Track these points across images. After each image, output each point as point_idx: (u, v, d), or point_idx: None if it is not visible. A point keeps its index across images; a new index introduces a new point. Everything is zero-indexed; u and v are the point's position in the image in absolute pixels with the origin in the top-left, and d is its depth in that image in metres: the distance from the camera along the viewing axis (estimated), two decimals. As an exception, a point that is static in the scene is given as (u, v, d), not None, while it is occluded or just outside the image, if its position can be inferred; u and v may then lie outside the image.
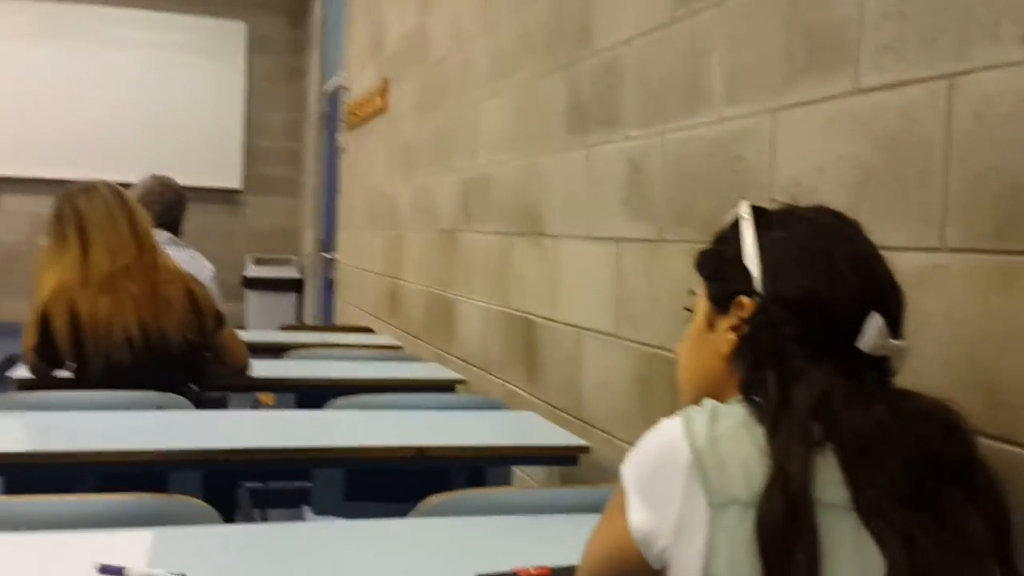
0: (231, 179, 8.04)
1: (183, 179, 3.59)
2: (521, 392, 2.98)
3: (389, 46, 5.05)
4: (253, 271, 7.79)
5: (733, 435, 0.94)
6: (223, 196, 7.97)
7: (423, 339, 4.14)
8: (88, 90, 7.68)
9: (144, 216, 2.62)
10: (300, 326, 5.28)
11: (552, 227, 2.81)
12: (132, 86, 7.77)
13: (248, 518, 3.06)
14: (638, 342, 2.28)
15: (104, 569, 1.28)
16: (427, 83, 4.27)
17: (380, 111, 5.12)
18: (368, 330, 4.85)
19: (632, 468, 0.98)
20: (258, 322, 7.17)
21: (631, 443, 1.00)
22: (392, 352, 3.92)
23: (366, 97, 5.49)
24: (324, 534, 1.63)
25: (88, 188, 2.57)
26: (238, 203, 8.17)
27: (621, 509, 0.98)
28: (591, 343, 2.53)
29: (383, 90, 5.06)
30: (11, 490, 2.17)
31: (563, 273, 2.73)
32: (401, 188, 4.67)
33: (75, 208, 2.52)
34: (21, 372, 2.64)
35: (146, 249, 2.56)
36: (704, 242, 1.15)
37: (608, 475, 2.23)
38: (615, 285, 2.41)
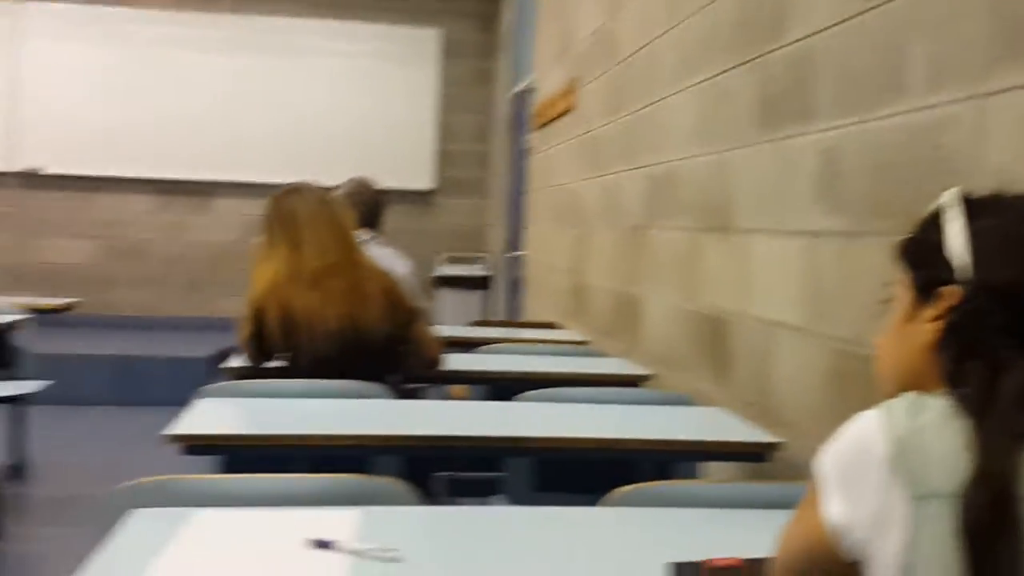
0: (423, 181, 8.31)
1: (379, 181, 3.76)
2: (708, 388, 2.96)
3: (577, 47, 5.10)
4: (444, 269, 8.03)
5: (935, 427, 0.92)
6: (416, 197, 8.25)
7: (608, 336, 4.16)
8: (291, 99, 8.12)
9: (348, 216, 2.77)
10: (489, 322, 5.40)
11: (741, 221, 2.77)
12: (332, 94, 8.16)
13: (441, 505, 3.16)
14: (832, 337, 2.22)
15: (317, 544, 1.37)
16: (614, 81, 4.29)
17: (567, 111, 5.17)
18: (554, 326, 4.91)
19: (829, 460, 0.97)
20: (448, 318, 7.38)
21: (823, 440, 0.99)
22: (578, 347, 3.95)
23: (553, 97, 5.56)
24: (520, 519, 1.68)
25: (297, 190, 2.73)
26: (430, 204, 8.43)
27: (817, 501, 0.97)
28: (783, 338, 2.48)
29: (570, 90, 5.12)
30: (230, 469, 2.34)
31: (753, 268, 2.69)
32: (587, 186, 4.71)
33: (285, 209, 2.69)
34: (236, 362, 2.83)
35: (349, 247, 2.70)
36: (902, 234, 1.11)
37: (799, 473, 2.18)
38: (808, 279, 2.35)
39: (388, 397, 2.50)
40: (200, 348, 6.73)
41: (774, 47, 2.58)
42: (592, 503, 1.68)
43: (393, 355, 2.70)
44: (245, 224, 8.08)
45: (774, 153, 2.56)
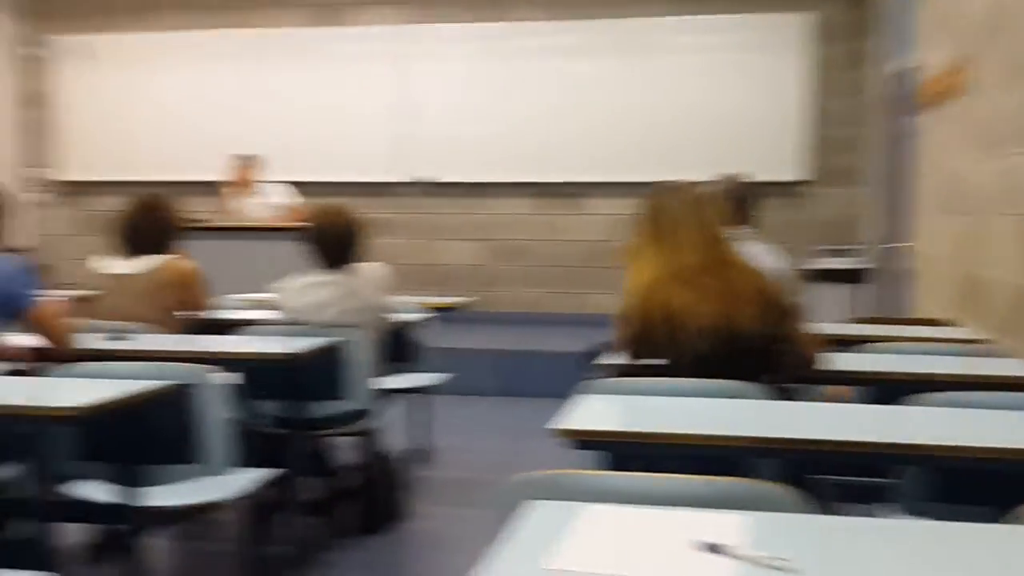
0: (792, 171, 8.05)
1: (749, 174, 3.69)
2: None
3: (967, 20, 4.68)
4: (814, 263, 7.71)
5: None
6: (784, 189, 7.99)
7: (1010, 334, 3.77)
8: (656, 98, 8.20)
9: (720, 213, 2.74)
10: (870, 319, 5.10)
11: None
12: (697, 89, 8.14)
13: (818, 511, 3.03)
14: None
15: (707, 547, 1.36)
16: (1012, 56, 3.88)
17: (956, 90, 4.76)
18: (941, 323, 4.53)
19: None
20: (819, 314, 7.07)
21: None
22: (974, 347, 3.62)
23: (940, 76, 5.15)
24: (919, 533, 1.57)
25: (671, 188, 2.76)
26: (799, 195, 8.14)
27: None
28: None
29: (959, 67, 4.70)
30: (608, 464, 2.40)
31: None
32: (981, 170, 4.30)
33: (661, 207, 2.72)
34: (613, 359, 2.88)
35: (722, 245, 2.68)
36: None
37: None
38: None
39: (765, 397, 2.44)
40: (575, 344, 6.99)
41: None
42: (993, 517, 1.53)
43: (769, 354, 2.64)
44: (614, 224, 8.28)
45: None
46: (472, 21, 8.49)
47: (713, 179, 3.56)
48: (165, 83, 8.87)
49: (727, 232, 2.74)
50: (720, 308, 2.58)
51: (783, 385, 2.67)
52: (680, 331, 2.59)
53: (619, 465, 2.30)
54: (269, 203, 7.40)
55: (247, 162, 7.63)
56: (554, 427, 2.06)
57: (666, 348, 2.64)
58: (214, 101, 8.78)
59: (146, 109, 8.90)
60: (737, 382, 2.45)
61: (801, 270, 7.56)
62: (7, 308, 2.97)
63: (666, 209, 2.72)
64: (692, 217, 2.69)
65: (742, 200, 3.48)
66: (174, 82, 8.86)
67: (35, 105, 9.23)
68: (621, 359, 2.80)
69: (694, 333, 2.57)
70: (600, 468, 2.36)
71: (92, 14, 9.06)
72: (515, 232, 8.59)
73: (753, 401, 2.40)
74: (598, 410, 2.31)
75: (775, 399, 2.49)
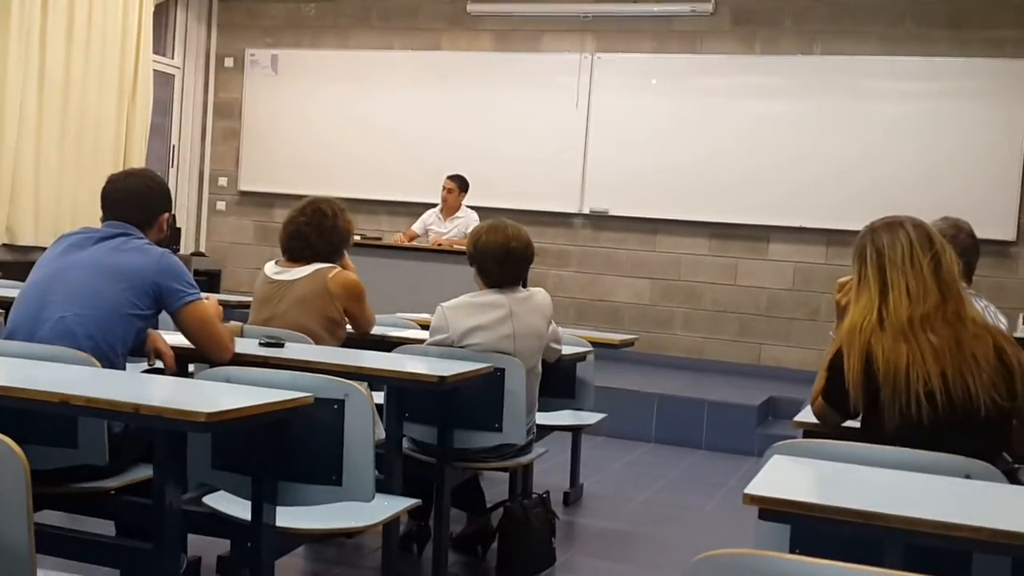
0: (1002, 230, 7.38)
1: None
2: None
3: None
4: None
5: None
6: (993, 247, 7.32)
7: None
8: (855, 140, 7.70)
9: (952, 260, 2.37)
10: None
11: None
12: (903, 135, 7.59)
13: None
14: None
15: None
16: None
17: None
18: None
19: None
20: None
21: None
22: None
23: None
24: None
25: (892, 225, 2.41)
26: (1008, 255, 7.46)
27: None
28: None
29: None
30: (796, 539, 2.08)
31: None
32: None
33: (877, 246, 2.38)
34: (802, 417, 2.59)
35: (951, 297, 2.31)
36: None
37: None
38: None
39: (1000, 480, 2.05)
40: (746, 395, 6.59)
41: None
42: None
43: (1004, 429, 2.24)
44: (798, 272, 7.82)
45: None
46: (660, 52, 8.25)
47: (938, 224, 3.14)
48: (350, 100, 9.02)
49: (959, 283, 2.36)
50: (946, 368, 2.20)
51: (1017, 466, 2.27)
52: (897, 391, 2.23)
53: (802, 543, 2.01)
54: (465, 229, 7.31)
55: (456, 183, 7.63)
56: (748, 492, 1.76)
57: (877, 409, 2.29)
58: (396, 122, 8.85)
59: (331, 124, 9.06)
60: (963, 458, 2.07)
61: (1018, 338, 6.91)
62: (161, 303, 2.88)
63: (880, 248, 2.37)
64: (912, 261, 2.33)
65: (963, 249, 3.04)
66: (358, 99, 8.99)
67: (224, 115, 9.56)
68: (814, 416, 2.50)
69: (915, 395, 2.20)
70: (774, 541, 2.07)
71: (283, 29, 9.33)
72: (689, 273, 8.23)
73: (985, 484, 2.01)
74: (785, 475, 2.01)
75: (1009, 482, 2.09)
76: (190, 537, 2.80)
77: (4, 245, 7.43)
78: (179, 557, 2.43)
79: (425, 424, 3.39)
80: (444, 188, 7.67)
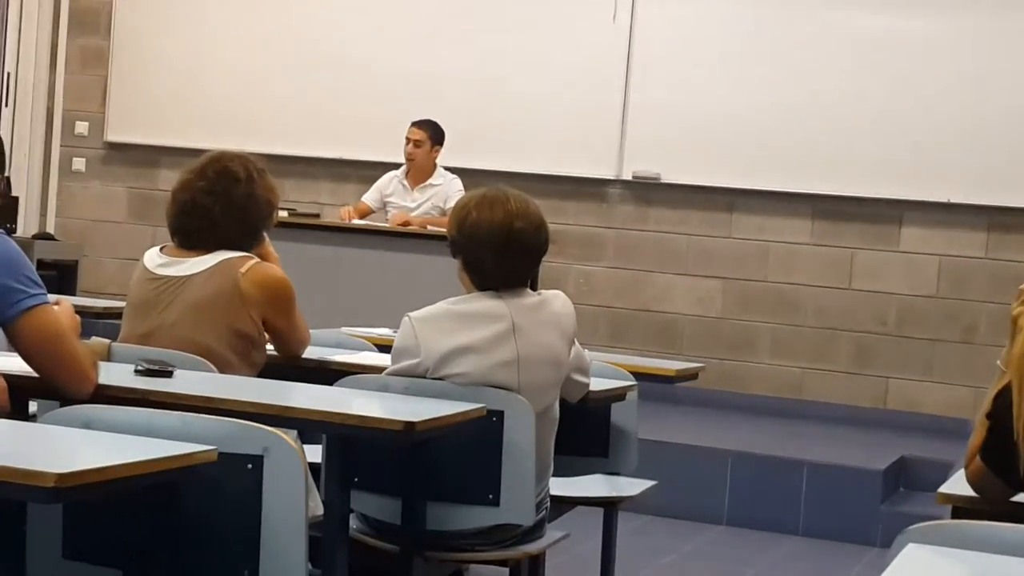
0: None
1: None
2: None
3: None
4: None
5: None
6: None
7: None
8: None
9: None
10: None
11: None
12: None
13: None
14: None
15: None
16: None
17: None
18: None
19: None
20: None
21: None
22: None
23: None
24: None
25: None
26: None
27: None
28: None
29: None
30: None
31: None
32: None
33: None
34: (958, 487, 2.67)
35: None
36: None
37: None
38: None
39: None
40: (868, 455, 6.62)
41: None
42: None
43: None
44: (946, 272, 7.84)
45: None
46: None
47: None
48: (274, 9, 9.13)
49: None
50: None
51: None
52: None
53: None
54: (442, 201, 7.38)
55: (427, 132, 7.68)
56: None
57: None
58: (343, 42, 8.94)
59: (246, 46, 9.15)
60: None
61: None
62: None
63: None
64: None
65: None
66: (285, 8, 9.11)
67: (85, 29, 9.58)
68: (968, 486, 2.58)
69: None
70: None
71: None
72: (781, 271, 8.29)
73: None
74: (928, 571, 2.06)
75: None
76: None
77: None
78: None
79: (384, 494, 3.43)
80: (409, 140, 7.71)
